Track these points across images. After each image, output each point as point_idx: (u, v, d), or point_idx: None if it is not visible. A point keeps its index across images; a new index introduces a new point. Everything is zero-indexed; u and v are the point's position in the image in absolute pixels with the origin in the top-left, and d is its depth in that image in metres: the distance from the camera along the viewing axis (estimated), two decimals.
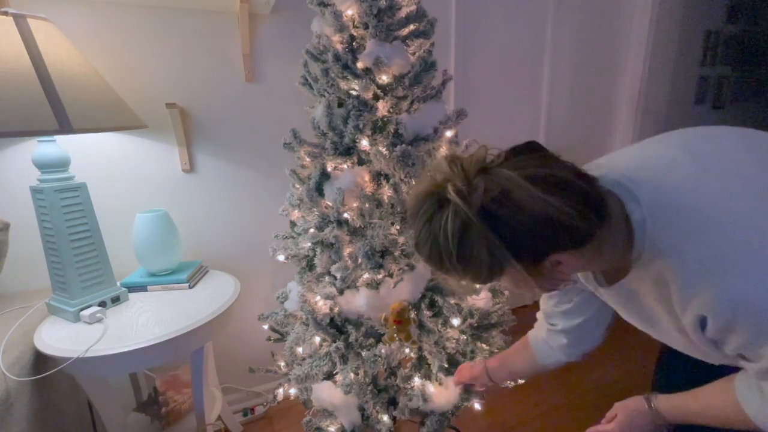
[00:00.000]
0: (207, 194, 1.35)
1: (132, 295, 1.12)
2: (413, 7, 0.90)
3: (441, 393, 0.93)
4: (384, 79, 0.87)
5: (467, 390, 0.97)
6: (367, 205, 0.87)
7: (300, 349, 0.99)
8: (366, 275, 0.91)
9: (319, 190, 0.92)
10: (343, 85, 0.89)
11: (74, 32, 1.09)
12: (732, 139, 0.57)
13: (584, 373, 1.67)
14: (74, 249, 0.97)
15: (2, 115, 0.78)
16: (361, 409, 0.94)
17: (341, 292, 0.92)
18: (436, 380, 0.92)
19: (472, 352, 1.00)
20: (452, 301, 0.93)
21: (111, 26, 1.14)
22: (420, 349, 0.94)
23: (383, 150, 0.86)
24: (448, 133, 0.95)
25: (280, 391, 1.10)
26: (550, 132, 2.07)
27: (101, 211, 1.08)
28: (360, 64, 0.87)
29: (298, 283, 1.02)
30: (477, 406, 0.97)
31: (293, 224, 1.07)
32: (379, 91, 0.89)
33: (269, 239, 1.10)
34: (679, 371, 0.88)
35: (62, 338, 0.92)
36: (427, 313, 0.94)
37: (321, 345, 0.96)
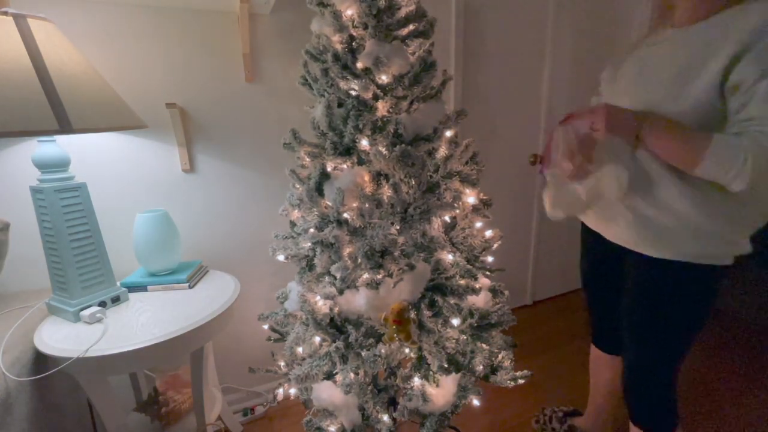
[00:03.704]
0: (207, 194, 1.35)
1: (132, 295, 1.12)
2: (413, 7, 0.90)
3: (440, 393, 0.93)
4: (383, 79, 0.87)
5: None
6: (366, 205, 0.87)
7: (300, 349, 0.99)
8: (366, 275, 0.91)
9: (319, 190, 0.92)
10: (343, 85, 0.89)
11: (74, 32, 1.09)
12: None
13: (584, 374, 1.67)
14: (74, 249, 0.97)
15: (2, 115, 0.78)
16: (361, 409, 0.94)
17: (341, 292, 0.92)
18: (434, 381, 0.92)
19: (472, 352, 1.00)
20: (452, 301, 0.93)
21: (111, 26, 1.14)
22: (420, 349, 0.94)
23: (383, 150, 0.86)
24: (448, 133, 0.95)
25: (280, 391, 1.10)
26: (550, 132, 2.07)
27: (101, 211, 1.08)
28: (359, 64, 0.87)
29: (298, 283, 1.02)
30: (475, 402, 0.97)
31: (293, 224, 1.07)
32: (378, 91, 0.89)
33: (269, 239, 1.10)
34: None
35: (62, 338, 0.92)
36: (427, 313, 0.93)
37: (321, 345, 0.96)
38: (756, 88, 0.69)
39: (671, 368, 0.96)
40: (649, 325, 0.94)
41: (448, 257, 0.95)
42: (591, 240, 1.10)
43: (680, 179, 0.81)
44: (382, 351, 0.88)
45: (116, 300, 1.06)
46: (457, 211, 0.96)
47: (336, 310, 0.91)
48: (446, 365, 0.95)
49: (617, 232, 0.95)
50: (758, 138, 0.70)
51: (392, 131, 0.87)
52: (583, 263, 1.20)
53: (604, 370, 1.25)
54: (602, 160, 0.87)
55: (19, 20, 0.83)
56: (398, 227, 0.88)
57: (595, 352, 1.27)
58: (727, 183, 0.73)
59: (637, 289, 0.95)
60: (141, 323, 0.98)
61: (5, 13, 0.82)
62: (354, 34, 0.89)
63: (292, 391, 1.06)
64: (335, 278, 0.91)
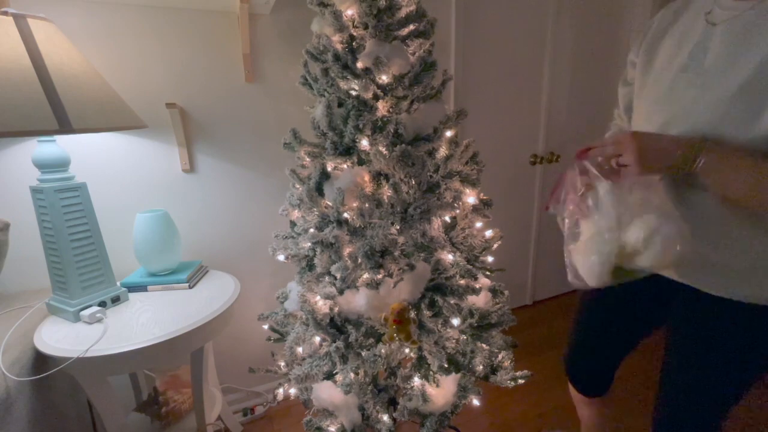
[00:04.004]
0: (207, 194, 1.35)
1: (132, 295, 1.12)
2: (413, 7, 0.90)
3: (440, 393, 0.93)
4: (384, 79, 0.87)
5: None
6: (366, 205, 0.87)
7: (300, 349, 0.99)
8: (366, 275, 0.91)
9: (319, 190, 0.92)
10: (343, 84, 0.89)
11: (74, 32, 1.09)
12: None
13: None
14: (74, 249, 0.97)
15: (2, 115, 0.78)
16: (362, 409, 0.94)
17: (341, 292, 0.92)
18: (434, 381, 0.92)
19: (472, 352, 1.00)
20: (452, 301, 0.93)
21: (111, 26, 1.14)
22: (420, 348, 0.94)
23: (383, 150, 0.86)
24: (448, 133, 0.95)
25: (280, 391, 1.10)
26: (550, 132, 2.07)
27: (101, 211, 1.08)
28: (360, 64, 0.87)
29: (298, 283, 1.02)
30: (475, 402, 0.97)
31: (293, 224, 1.07)
32: (378, 91, 0.89)
33: (269, 239, 1.10)
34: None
35: (62, 338, 0.92)
36: (426, 312, 0.93)
37: (321, 345, 0.96)
38: None
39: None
40: (703, 374, 0.75)
41: (448, 257, 0.95)
42: None
43: (751, 216, 0.63)
44: (382, 351, 0.88)
45: (116, 300, 1.06)
46: (457, 211, 0.96)
47: (336, 310, 0.91)
48: (446, 365, 0.95)
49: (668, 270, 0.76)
50: None
51: (392, 131, 0.87)
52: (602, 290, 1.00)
53: (585, 407, 1.07)
54: (634, 210, 0.66)
55: (19, 20, 0.83)
56: (398, 227, 0.88)
57: (575, 393, 1.07)
58: None
59: (694, 334, 0.76)
60: (141, 323, 0.98)
61: (5, 13, 0.82)
62: (354, 34, 0.89)
63: (292, 391, 1.06)
64: (335, 278, 0.91)
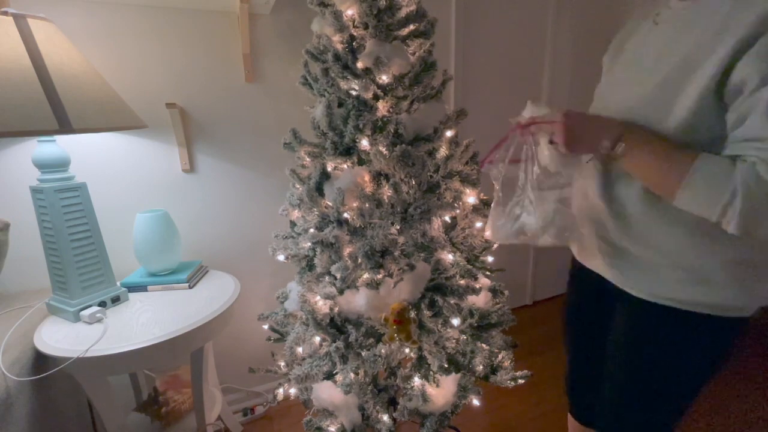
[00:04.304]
0: (207, 194, 1.35)
1: (132, 295, 1.12)
2: (413, 7, 0.90)
3: (440, 393, 0.93)
4: (384, 79, 0.87)
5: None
6: (367, 205, 0.87)
7: (300, 349, 0.99)
8: (366, 275, 0.91)
9: (319, 190, 0.92)
10: (343, 84, 0.89)
11: (74, 32, 1.09)
12: None
13: None
14: (74, 249, 0.97)
15: (2, 115, 0.78)
16: (361, 409, 0.94)
17: (341, 292, 0.92)
18: (434, 381, 0.92)
19: (472, 352, 1.00)
20: (452, 301, 0.93)
21: (111, 26, 1.14)
22: (420, 349, 0.94)
23: (383, 150, 0.86)
24: (448, 133, 0.95)
25: (280, 391, 1.10)
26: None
27: (101, 211, 1.08)
28: (360, 64, 0.87)
29: (298, 283, 1.02)
30: (475, 402, 0.97)
31: (293, 224, 1.07)
32: (379, 91, 0.89)
33: (269, 239, 1.10)
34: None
35: (62, 338, 0.92)
36: (427, 313, 0.93)
37: (321, 345, 0.96)
38: (756, 98, 0.52)
39: None
40: (635, 388, 0.74)
41: (448, 257, 0.95)
42: (577, 266, 0.88)
43: (668, 214, 0.64)
44: (382, 351, 0.88)
45: (116, 300, 1.06)
46: (458, 211, 0.96)
47: (336, 310, 0.91)
48: (446, 365, 0.94)
49: (597, 261, 0.78)
50: (755, 168, 0.52)
51: (392, 131, 0.87)
52: (568, 296, 0.96)
53: None
54: (543, 196, 0.73)
55: (19, 20, 0.83)
56: (398, 227, 0.88)
57: (572, 423, 1.02)
58: (717, 222, 0.55)
59: (623, 339, 0.76)
60: (141, 323, 0.98)
61: (5, 13, 0.82)
62: (354, 33, 0.89)
63: (292, 391, 1.06)
64: (335, 278, 0.91)
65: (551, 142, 0.69)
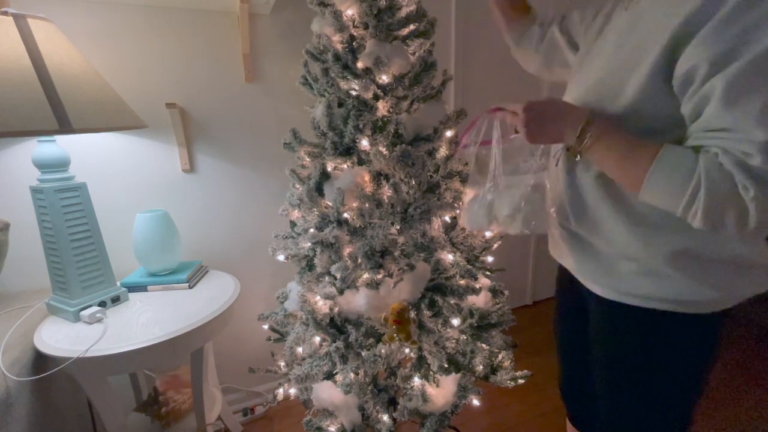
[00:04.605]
0: (207, 194, 1.35)
1: (132, 295, 1.12)
2: (413, 7, 0.90)
3: (440, 393, 0.93)
4: (384, 79, 0.87)
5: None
6: (367, 205, 0.87)
7: (300, 349, 0.99)
8: (366, 275, 0.91)
9: (319, 190, 0.92)
10: (344, 84, 0.89)
11: (74, 32, 1.09)
12: None
13: None
14: (74, 249, 0.97)
15: (2, 115, 0.78)
16: (361, 409, 0.94)
17: (341, 291, 0.92)
18: (434, 381, 0.92)
19: (472, 352, 1.00)
20: (452, 301, 0.93)
21: (111, 26, 1.14)
22: (420, 349, 0.94)
23: (383, 150, 0.86)
24: (448, 133, 0.95)
25: (280, 391, 1.10)
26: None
27: (101, 211, 1.08)
28: (360, 64, 0.87)
29: (298, 283, 1.02)
30: (475, 402, 0.97)
31: (293, 224, 1.07)
32: (379, 91, 0.89)
33: (269, 239, 1.10)
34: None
35: (62, 338, 0.92)
36: (426, 313, 0.93)
37: (321, 345, 0.96)
38: (709, 87, 0.50)
39: None
40: (620, 395, 0.71)
41: (448, 257, 0.95)
42: (559, 266, 0.87)
43: (620, 204, 0.63)
44: (382, 351, 0.88)
45: (116, 300, 1.06)
46: (458, 211, 0.96)
47: (336, 310, 0.91)
48: (446, 365, 0.95)
49: (564, 254, 0.76)
50: (717, 159, 0.50)
51: (392, 131, 0.88)
52: (555, 299, 0.95)
53: None
54: (508, 183, 0.72)
55: (19, 20, 0.83)
56: (398, 227, 0.88)
57: (572, 430, 1.00)
58: (684, 218, 0.53)
59: (598, 343, 0.74)
60: (141, 323, 0.98)
61: (5, 13, 0.82)
62: (354, 34, 0.89)
63: (292, 391, 1.06)
64: (335, 278, 0.91)
65: (516, 131, 0.68)
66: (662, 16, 0.55)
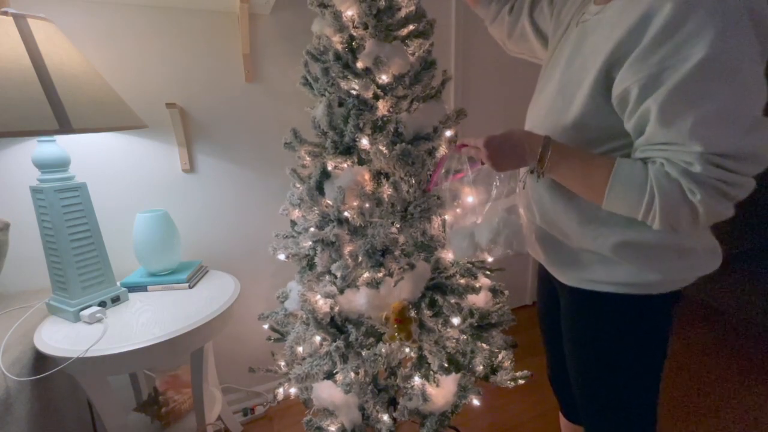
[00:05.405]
0: (207, 194, 1.35)
1: (132, 295, 1.12)
2: (413, 8, 0.90)
3: (440, 393, 0.93)
4: (384, 78, 0.88)
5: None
6: (367, 204, 0.87)
7: (300, 349, 0.99)
8: (366, 274, 0.91)
9: (320, 189, 0.92)
10: (344, 84, 0.89)
11: (74, 32, 1.09)
12: None
13: None
14: (74, 249, 0.97)
15: (2, 115, 0.78)
16: (362, 409, 0.94)
17: (342, 291, 0.92)
18: (434, 381, 0.92)
19: (472, 351, 1.00)
20: (452, 301, 0.93)
21: (111, 26, 1.14)
22: (420, 348, 0.94)
23: (383, 149, 0.86)
24: (448, 133, 0.95)
25: (280, 390, 1.10)
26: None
27: (101, 211, 1.08)
28: (360, 64, 0.87)
29: (299, 283, 1.02)
30: (475, 402, 0.97)
31: (293, 223, 1.07)
32: (379, 91, 0.89)
33: (269, 239, 1.10)
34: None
35: (62, 338, 0.92)
36: (427, 312, 0.93)
37: (321, 344, 0.96)
38: (644, 109, 0.55)
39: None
40: (589, 381, 0.78)
41: (449, 256, 0.95)
42: (539, 264, 0.92)
43: (562, 195, 0.70)
44: (383, 350, 0.88)
45: (116, 300, 1.06)
46: (458, 210, 0.96)
47: (336, 309, 0.91)
48: (446, 365, 0.95)
49: (537, 249, 0.82)
50: (663, 168, 0.55)
51: (392, 130, 0.88)
52: (538, 293, 1.00)
53: None
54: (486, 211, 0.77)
55: (19, 20, 0.83)
56: (398, 226, 0.88)
57: (563, 421, 1.05)
58: (644, 222, 0.60)
59: (568, 334, 0.80)
60: (141, 323, 0.98)
61: (5, 13, 0.82)
62: (354, 34, 0.89)
63: (292, 390, 1.06)
64: (336, 277, 0.91)
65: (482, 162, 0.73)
66: (600, 39, 0.61)
